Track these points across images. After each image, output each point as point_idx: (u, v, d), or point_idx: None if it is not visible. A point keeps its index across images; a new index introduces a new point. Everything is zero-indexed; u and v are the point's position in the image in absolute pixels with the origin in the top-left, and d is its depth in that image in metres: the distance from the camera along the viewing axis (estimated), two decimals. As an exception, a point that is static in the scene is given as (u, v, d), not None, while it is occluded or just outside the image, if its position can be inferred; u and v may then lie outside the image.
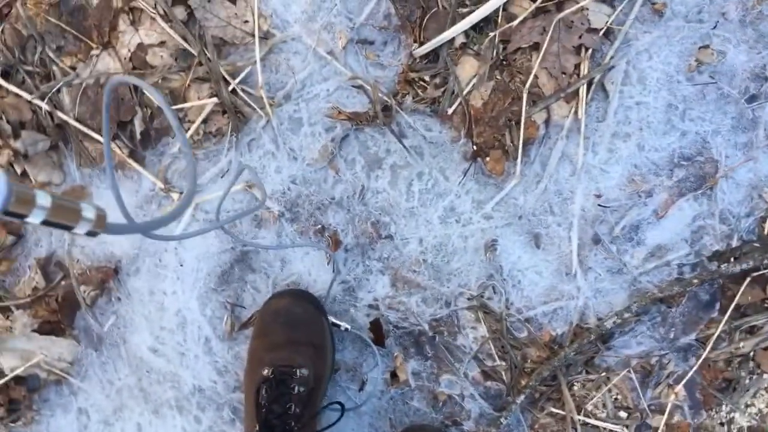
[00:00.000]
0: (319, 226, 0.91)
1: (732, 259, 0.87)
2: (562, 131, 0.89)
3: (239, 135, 0.92)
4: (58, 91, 0.92)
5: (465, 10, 0.89)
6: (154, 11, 0.90)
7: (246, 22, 0.91)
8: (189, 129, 0.91)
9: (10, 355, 0.89)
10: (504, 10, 0.89)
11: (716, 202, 0.88)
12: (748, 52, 0.88)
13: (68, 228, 0.40)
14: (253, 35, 0.91)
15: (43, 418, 0.92)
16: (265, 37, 0.92)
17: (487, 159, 0.90)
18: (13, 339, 0.89)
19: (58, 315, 0.91)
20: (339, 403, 0.79)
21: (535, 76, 0.88)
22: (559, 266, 0.90)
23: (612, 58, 0.88)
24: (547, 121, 0.90)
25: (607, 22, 0.88)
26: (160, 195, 0.92)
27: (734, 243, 0.88)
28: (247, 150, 0.92)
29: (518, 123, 0.89)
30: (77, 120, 0.91)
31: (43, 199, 0.37)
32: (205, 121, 0.91)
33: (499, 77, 0.89)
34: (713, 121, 0.88)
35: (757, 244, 0.87)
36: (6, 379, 0.89)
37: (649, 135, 0.89)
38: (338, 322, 0.89)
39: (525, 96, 0.88)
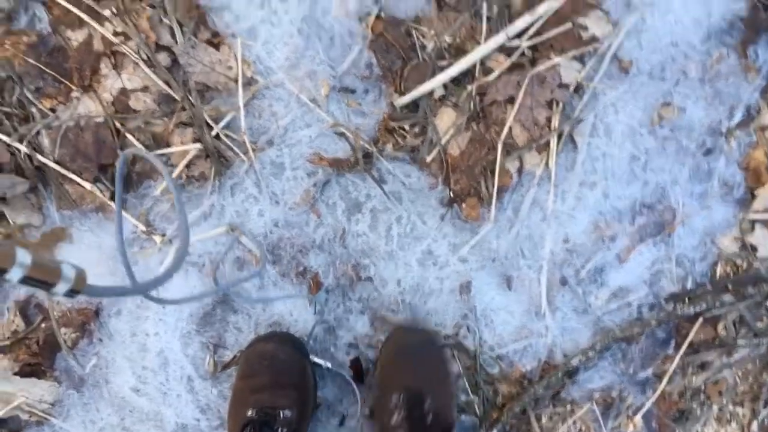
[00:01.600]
0: (301, 268, 0.97)
1: (687, 300, 0.97)
2: (534, 179, 0.97)
3: (222, 179, 0.96)
4: (38, 133, 0.94)
5: (444, 62, 0.96)
6: (137, 56, 0.93)
7: (230, 68, 0.96)
8: (172, 173, 0.95)
9: (-10, 398, 0.92)
10: (481, 64, 0.96)
11: (673, 247, 0.98)
12: (706, 108, 0.98)
13: (48, 286, 0.41)
14: (236, 81, 0.96)
15: (24, 460, 0.96)
16: (249, 83, 0.96)
17: (464, 205, 0.97)
18: (-6, 383, 0.92)
19: (39, 357, 0.95)
20: None
21: (510, 128, 0.96)
22: (529, 306, 0.98)
23: (581, 111, 0.97)
24: (520, 170, 0.98)
25: (577, 77, 0.96)
26: (142, 237, 0.96)
27: (689, 285, 0.98)
28: (229, 194, 0.97)
29: (493, 171, 0.97)
30: (57, 162, 0.95)
31: (24, 256, 0.39)
32: (188, 166, 0.96)
33: (475, 128, 0.97)
34: (672, 171, 0.98)
35: (709, 287, 0.97)
36: (-13, 422, 0.92)
37: (614, 184, 0.98)
38: (320, 361, 0.95)
39: (500, 146, 0.96)
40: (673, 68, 0.97)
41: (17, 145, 0.92)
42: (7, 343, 0.93)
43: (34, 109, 0.94)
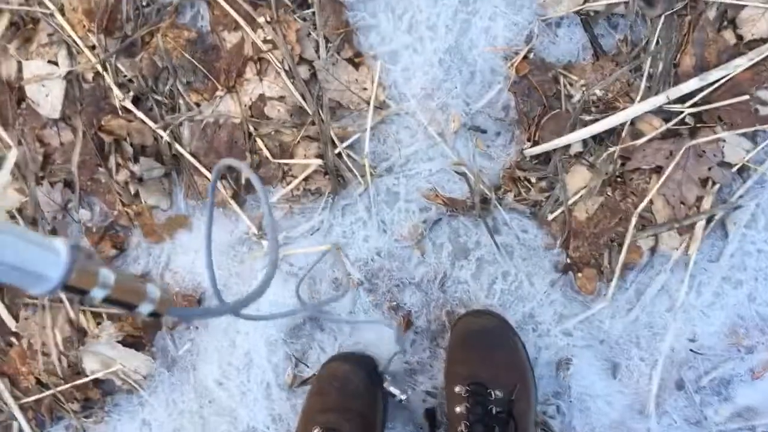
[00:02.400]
0: (395, 303, 0.96)
1: (832, 444, 0.82)
2: (668, 263, 0.88)
3: (336, 197, 0.98)
4: (180, 124, 1.02)
5: (589, 117, 0.89)
6: (280, 66, 0.97)
7: (364, 89, 0.96)
8: (290, 183, 0.98)
9: (93, 358, 1.01)
10: (631, 125, 0.88)
11: (827, 377, 0.83)
12: None
13: (131, 307, 0.42)
14: (368, 103, 0.96)
15: (111, 420, 1.04)
16: (380, 106, 0.96)
17: (580, 274, 0.90)
18: (99, 345, 1.01)
19: (142, 332, 1.02)
20: None
21: (650, 201, 0.87)
22: (633, 402, 0.89)
23: (741, 197, 0.86)
24: (653, 249, 0.89)
25: (744, 158, 0.85)
26: (252, 239, 1.00)
27: (838, 426, 0.83)
28: (340, 214, 0.98)
29: (621, 245, 0.88)
30: (192, 154, 1.01)
31: (107, 276, 0.39)
32: (306, 179, 0.98)
33: (610, 194, 0.89)
34: (844, 288, 0.83)
35: None
36: (87, 379, 1.02)
37: (764, 287, 0.85)
38: (394, 392, 0.92)
39: (634, 219, 0.87)
40: None
41: (161, 132, 1.00)
42: (117, 312, 1.02)
43: (181, 101, 1.01)
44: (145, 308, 0.42)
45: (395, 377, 0.93)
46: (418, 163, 0.95)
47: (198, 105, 1.01)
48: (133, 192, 1.02)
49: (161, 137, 1.00)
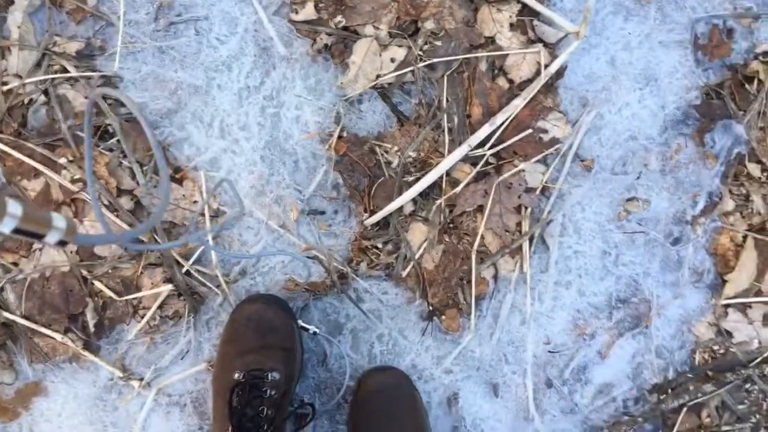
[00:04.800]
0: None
1: (670, 391, 1.03)
2: (510, 284, 1.03)
3: (197, 315, 1.00)
4: (1, 289, 0.96)
5: (411, 178, 1.01)
6: (99, 202, 0.96)
7: (195, 202, 0.99)
8: (145, 315, 0.98)
9: None
10: (447, 175, 1.01)
11: (652, 338, 1.04)
12: (670, 198, 1.05)
13: (39, 237, 0.43)
14: (203, 214, 0.99)
15: None
16: (216, 215, 1.00)
17: (443, 317, 1.02)
18: None
19: None
20: (310, 404, 0.89)
21: (482, 236, 1.02)
22: (517, 412, 1.03)
23: (549, 213, 1.03)
24: (495, 277, 1.03)
25: (542, 180, 1.02)
26: (119, 384, 0.99)
27: (671, 375, 1.05)
28: (206, 329, 1.00)
29: (469, 281, 1.02)
30: (25, 317, 0.97)
31: (15, 207, 0.40)
32: (160, 307, 0.98)
33: (448, 240, 1.02)
34: (643, 264, 1.04)
35: (690, 376, 1.04)
36: None
37: (588, 281, 1.04)
38: (307, 326, 0.97)
39: (473, 255, 1.01)
40: (634, 162, 1.04)
41: (-19, 305, 0.94)
42: None
43: (-5, 265, 0.96)
44: (52, 237, 0.44)
45: (306, 313, 0.98)
46: (269, 259, 1.01)
47: (16, 264, 0.96)
48: (-35, 378, 0.95)
49: (-17, 310, 0.94)
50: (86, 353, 0.97)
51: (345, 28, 0.99)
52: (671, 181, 1.04)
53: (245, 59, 0.99)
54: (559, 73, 1.02)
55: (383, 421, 0.90)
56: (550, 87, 1.02)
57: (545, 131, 1.01)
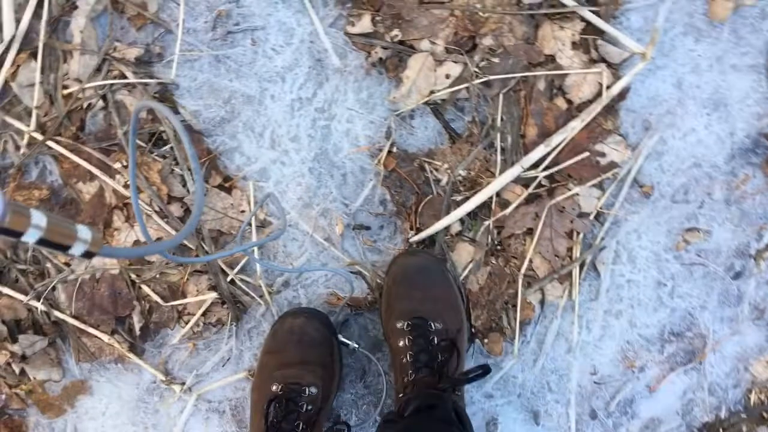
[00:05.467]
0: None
1: (721, 430, 1.00)
2: (557, 311, 1.01)
3: (239, 324, 1.01)
4: (53, 288, 1.00)
5: (460, 197, 1.00)
6: (150, 208, 0.98)
7: (242, 211, 1.00)
8: (189, 321, 1.00)
9: None
10: (497, 196, 0.99)
11: (705, 375, 1.00)
12: (733, 230, 1.00)
13: (64, 248, 0.43)
14: (249, 224, 1.00)
15: None
16: (262, 225, 1.01)
17: (486, 340, 1.01)
18: None
19: None
20: (345, 423, 0.89)
21: (530, 260, 0.99)
22: (558, 442, 1.01)
23: (602, 239, 1.00)
24: (542, 302, 1.01)
25: (596, 205, 0.99)
26: (161, 387, 1.01)
27: (723, 414, 1.01)
28: (247, 337, 1.01)
29: (515, 305, 1.00)
30: (74, 317, 1.00)
31: (39, 218, 0.40)
32: (204, 313, 1.00)
33: (494, 262, 1.00)
34: (701, 297, 1.00)
35: (743, 415, 1.00)
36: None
37: (640, 312, 1.01)
38: (347, 341, 0.97)
39: (520, 279, 0.99)
40: (696, 190, 1.00)
41: (34, 303, 0.97)
42: None
43: (48, 264, 0.99)
44: (77, 249, 0.44)
45: (346, 328, 0.99)
46: (312, 272, 1.01)
47: (68, 264, 0.99)
48: (18, 371, 0.99)
49: (35, 308, 0.98)
50: (131, 355, 0.99)
51: (401, 42, 0.98)
52: (736, 212, 0.99)
53: (299, 70, 1.00)
54: (622, 95, 0.98)
55: (422, 288, 0.91)
56: (610, 109, 0.98)
57: (603, 154, 0.98)
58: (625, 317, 1.00)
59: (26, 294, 0.98)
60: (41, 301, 0.97)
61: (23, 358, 0.98)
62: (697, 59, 0.99)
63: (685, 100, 0.99)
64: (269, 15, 1.00)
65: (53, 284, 0.99)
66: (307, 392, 0.86)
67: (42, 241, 0.40)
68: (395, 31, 0.98)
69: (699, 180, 0.99)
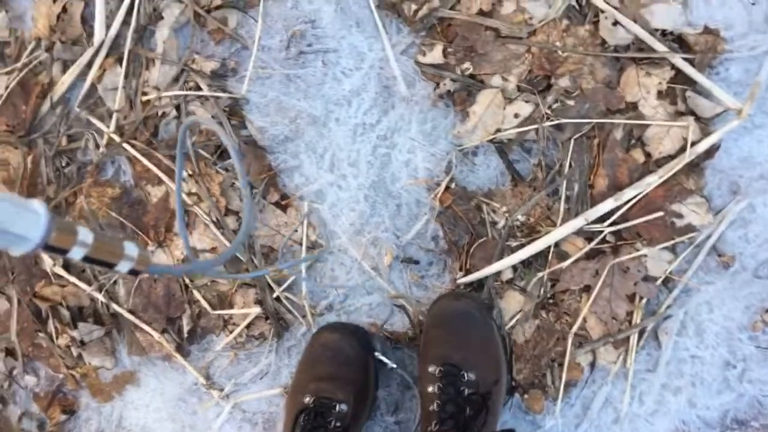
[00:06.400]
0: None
1: None
2: (608, 377, 0.94)
3: (280, 340, 1.03)
4: (115, 282, 1.06)
5: (515, 243, 0.96)
6: (208, 218, 1.02)
7: (295, 231, 1.02)
8: (233, 331, 1.03)
9: None
10: (556, 246, 0.95)
11: (770, 473, 0.91)
12: (823, 316, 0.90)
13: (110, 266, 0.44)
14: (300, 244, 1.02)
15: None
16: (313, 246, 1.02)
17: (526, 396, 0.96)
18: None
19: None
20: None
21: (584, 319, 0.94)
22: None
23: (668, 307, 0.93)
24: (592, 365, 0.95)
25: (666, 270, 0.92)
26: (201, 390, 1.05)
27: None
28: (287, 355, 1.03)
29: (561, 364, 0.95)
30: (130, 312, 1.06)
31: (85, 235, 0.41)
32: (248, 326, 1.03)
33: (544, 316, 0.96)
34: (775, 386, 0.91)
35: None
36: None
37: (702, 392, 0.93)
38: (385, 360, 0.96)
39: (570, 338, 0.94)
40: (785, 267, 0.90)
41: (96, 294, 1.04)
42: None
43: (113, 259, 1.05)
44: (123, 266, 0.45)
45: (385, 345, 0.98)
46: (356, 299, 1.01)
47: (131, 262, 1.05)
48: (75, 355, 1.06)
49: (97, 299, 1.04)
50: (178, 355, 1.04)
51: (471, 76, 0.95)
52: (829, 295, 0.88)
53: (366, 95, 0.99)
54: (709, 153, 0.90)
55: (458, 334, 0.88)
56: (694, 167, 0.91)
57: (680, 216, 0.91)
58: (684, 395, 0.92)
59: (90, 285, 1.04)
60: (102, 293, 1.04)
61: (82, 343, 1.05)
62: (804, 121, 0.89)
63: (783, 166, 0.89)
64: (342, 38, 1.00)
65: (115, 278, 1.05)
66: (337, 408, 0.87)
67: (87, 259, 0.41)
68: (467, 64, 0.95)
69: (789, 256, 0.89)
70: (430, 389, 0.85)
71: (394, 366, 0.94)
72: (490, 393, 0.84)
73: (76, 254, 0.40)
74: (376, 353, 0.95)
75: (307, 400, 0.88)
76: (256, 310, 1.01)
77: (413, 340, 0.98)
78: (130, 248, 0.45)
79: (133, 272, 0.46)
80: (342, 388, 0.89)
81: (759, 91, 0.88)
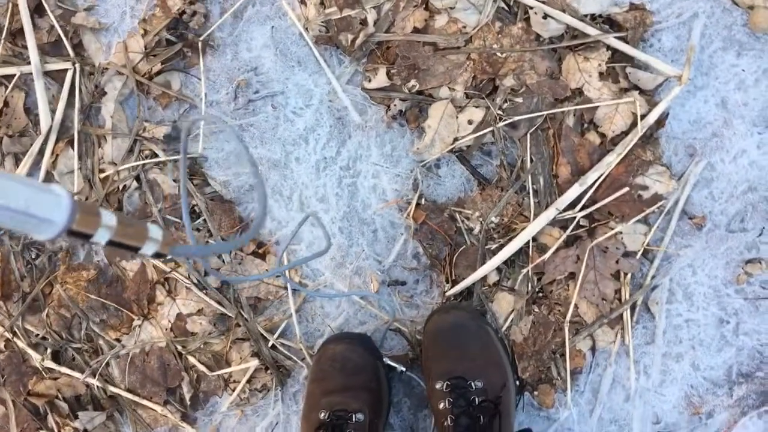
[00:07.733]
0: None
1: (809, 479, 0.92)
2: (610, 357, 0.97)
3: (284, 388, 1.03)
4: (107, 364, 1.06)
5: (494, 245, 0.98)
6: (188, 281, 1.03)
7: (278, 276, 1.03)
8: (236, 389, 1.03)
9: None
10: (534, 241, 0.97)
11: (784, 418, 0.93)
12: (800, 257, 0.93)
13: (134, 249, 0.43)
14: (285, 288, 1.03)
15: None
16: (299, 284, 1.03)
17: (536, 392, 0.98)
18: None
19: None
20: None
21: (575, 306, 0.96)
22: (623, 496, 0.97)
23: (653, 278, 0.95)
24: (593, 349, 0.97)
25: (643, 242, 0.95)
26: (215, 454, 1.05)
27: (809, 461, 0.93)
28: (293, 401, 1.03)
29: (563, 354, 0.97)
30: (129, 390, 1.05)
31: (109, 218, 0.40)
32: (249, 380, 1.03)
33: (537, 310, 0.98)
34: (770, 332, 0.94)
35: (834, 462, 0.92)
36: None
37: (703, 353, 0.95)
38: (394, 364, 0.97)
39: (566, 327, 0.96)
40: (754, 217, 0.94)
41: (91, 380, 1.04)
42: None
43: (101, 341, 1.05)
44: (148, 249, 0.44)
45: (393, 351, 0.99)
46: (351, 330, 1.02)
47: (119, 340, 1.05)
48: (80, 446, 1.05)
49: (92, 384, 1.04)
50: (184, 425, 1.04)
51: (419, 92, 0.98)
52: (802, 236, 0.92)
53: (321, 130, 1.01)
54: (660, 122, 0.94)
55: (458, 347, 0.90)
56: (649, 138, 0.94)
57: (645, 188, 0.94)
58: (686, 360, 0.95)
59: (82, 372, 1.04)
60: (96, 377, 1.03)
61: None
62: (742, 75, 0.93)
63: (731, 120, 0.93)
64: (287, 79, 1.02)
65: (106, 360, 1.04)
66: (354, 419, 0.87)
67: (112, 243, 0.41)
68: (412, 82, 0.98)
69: (756, 205, 0.93)
70: (441, 405, 0.86)
71: (404, 369, 0.95)
72: (500, 397, 0.86)
73: (102, 237, 0.40)
74: (385, 358, 0.95)
75: (323, 416, 0.88)
76: (255, 362, 1.01)
77: (415, 360, 0.99)
78: (155, 230, 0.44)
79: (157, 255, 0.45)
80: (355, 398, 0.89)
81: (694, 54, 0.92)
